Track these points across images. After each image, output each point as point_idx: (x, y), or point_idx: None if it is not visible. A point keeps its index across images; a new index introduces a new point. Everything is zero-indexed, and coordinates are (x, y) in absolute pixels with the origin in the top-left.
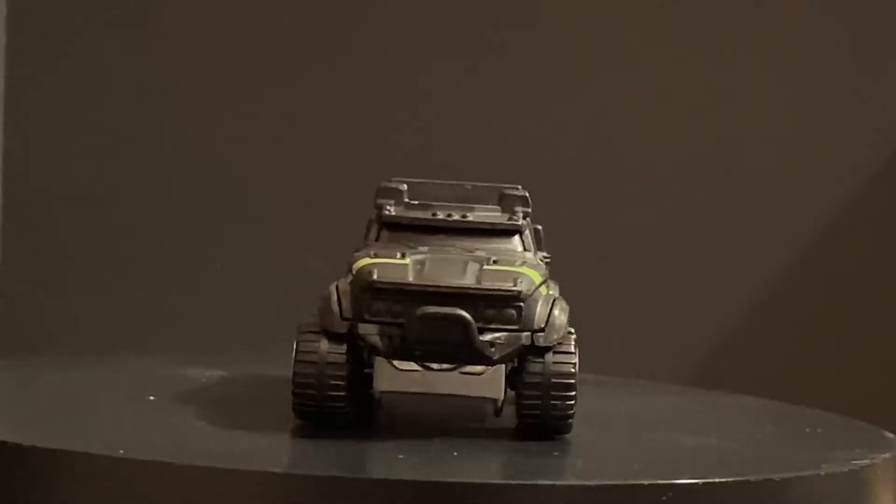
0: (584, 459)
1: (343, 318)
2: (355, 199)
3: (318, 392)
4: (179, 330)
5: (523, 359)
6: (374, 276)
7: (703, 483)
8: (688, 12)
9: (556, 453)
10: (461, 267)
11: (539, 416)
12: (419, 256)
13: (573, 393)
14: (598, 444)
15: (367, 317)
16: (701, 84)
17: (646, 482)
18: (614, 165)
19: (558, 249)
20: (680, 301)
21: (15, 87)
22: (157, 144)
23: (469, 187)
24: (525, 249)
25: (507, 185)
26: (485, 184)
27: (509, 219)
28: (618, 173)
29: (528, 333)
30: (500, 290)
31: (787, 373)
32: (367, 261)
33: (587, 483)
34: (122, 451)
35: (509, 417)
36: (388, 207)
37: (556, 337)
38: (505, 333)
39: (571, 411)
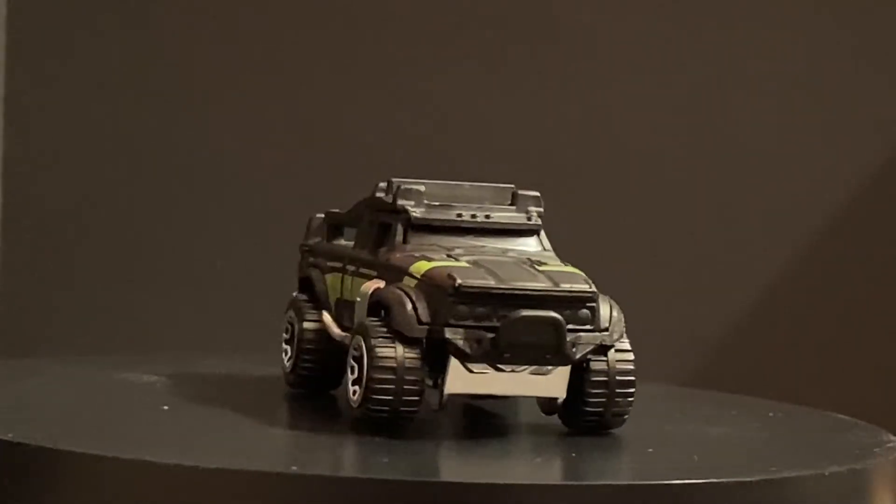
0: (627, 459)
1: (420, 323)
2: (355, 199)
3: (396, 397)
4: (179, 329)
5: (585, 358)
6: (460, 281)
7: (702, 483)
8: (688, 13)
9: (605, 452)
10: (524, 269)
11: (602, 413)
12: (469, 258)
13: (633, 390)
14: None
15: (452, 321)
16: (700, 85)
17: (643, 483)
18: (613, 166)
19: (558, 250)
20: (679, 301)
21: (15, 87)
22: (156, 144)
23: (467, 187)
24: (544, 249)
25: (502, 185)
26: (483, 183)
27: (528, 218)
28: (616, 174)
29: (599, 333)
30: (580, 291)
31: (788, 373)
32: (426, 264)
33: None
34: (193, 462)
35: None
36: (410, 208)
37: (616, 336)
38: (583, 333)
39: (630, 408)
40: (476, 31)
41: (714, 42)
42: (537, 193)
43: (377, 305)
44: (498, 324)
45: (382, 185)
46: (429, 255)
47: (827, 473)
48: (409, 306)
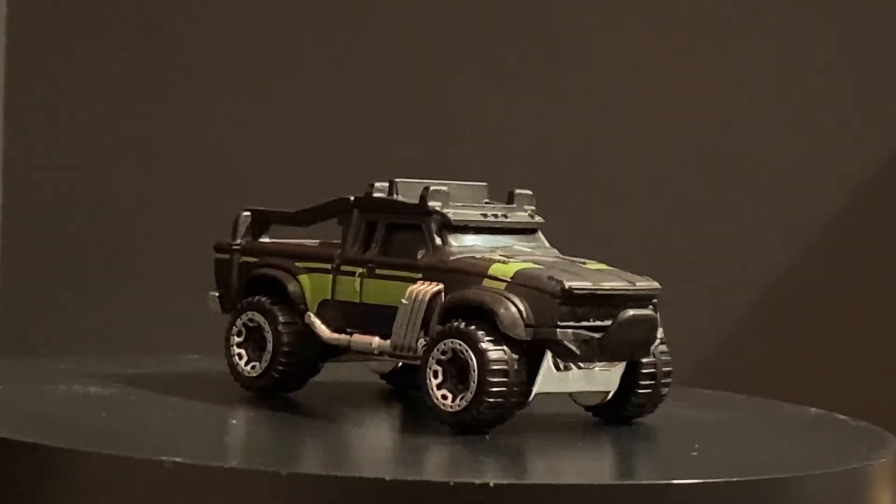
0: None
1: (526, 326)
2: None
3: (506, 400)
4: (179, 329)
5: None
6: (569, 284)
7: (702, 483)
8: (688, 13)
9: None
10: (585, 269)
11: (644, 404)
12: (522, 258)
13: (671, 381)
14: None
15: (560, 323)
16: (701, 85)
17: (642, 482)
18: (612, 166)
19: (558, 250)
20: (679, 301)
21: (15, 87)
22: (156, 144)
23: (455, 186)
24: (546, 246)
25: (477, 183)
26: (463, 182)
27: (531, 216)
28: (616, 174)
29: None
30: (655, 289)
31: (788, 373)
32: (506, 266)
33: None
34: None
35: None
36: (441, 209)
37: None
38: None
39: (664, 398)
40: (474, 30)
41: (714, 42)
42: (530, 192)
43: (456, 309)
44: (596, 323)
45: (380, 185)
46: (487, 256)
47: (827, 473)
48: (514, 309)
